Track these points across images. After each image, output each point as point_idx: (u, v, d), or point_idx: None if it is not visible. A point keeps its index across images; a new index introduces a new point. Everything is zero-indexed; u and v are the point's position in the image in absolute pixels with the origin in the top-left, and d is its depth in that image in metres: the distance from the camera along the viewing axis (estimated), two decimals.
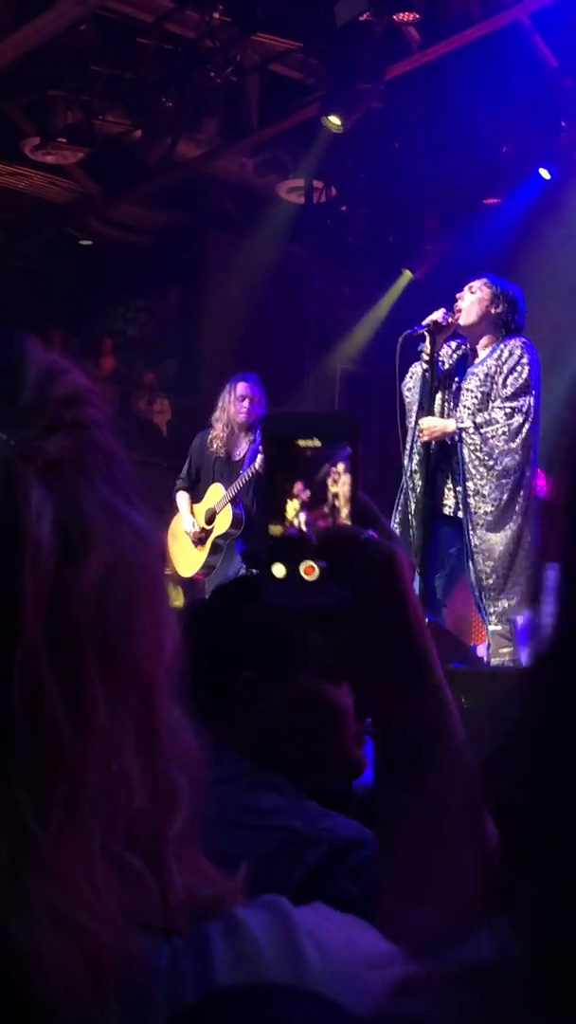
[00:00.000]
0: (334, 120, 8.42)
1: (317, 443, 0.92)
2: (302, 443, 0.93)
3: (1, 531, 0.64)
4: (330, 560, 0.92)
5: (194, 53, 9.03)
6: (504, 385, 5.47)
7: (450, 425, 5.51)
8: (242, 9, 8.59)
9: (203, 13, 8.74)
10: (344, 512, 0.92)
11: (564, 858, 0.49)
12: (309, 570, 0.92)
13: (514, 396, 5.43)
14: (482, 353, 5.61)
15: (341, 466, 0.92)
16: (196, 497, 7.07)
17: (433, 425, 5.52)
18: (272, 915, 0.72)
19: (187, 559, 7.06)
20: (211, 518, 6.93)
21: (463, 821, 0.89)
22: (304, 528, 0.92)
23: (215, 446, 6.87)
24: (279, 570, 0.92)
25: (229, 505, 6.81)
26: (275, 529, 0.92)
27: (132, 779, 0.68)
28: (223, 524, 6.88)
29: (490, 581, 5.37)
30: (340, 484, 0.92)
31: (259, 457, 6.47)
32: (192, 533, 6.95)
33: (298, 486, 0.92)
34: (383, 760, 0.97)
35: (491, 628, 5.40)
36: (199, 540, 6.97)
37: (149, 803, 0.69)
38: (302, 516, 0.92)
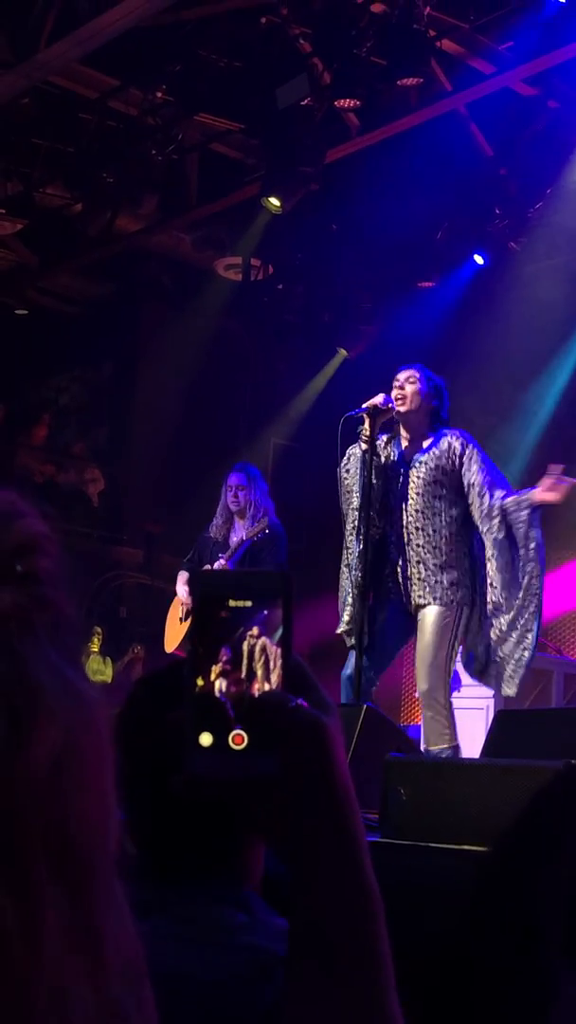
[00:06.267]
0: (273, 202, 8.53)
1: (248, 603, 0.88)
2: (233, 603, 0.88)
3: None
4: (257, 728, 0.86)
5: (136, 130, 9.13)
6: (461, 482, 5.45)
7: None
8: (185, 89, 8.70)
9: (146, 91, 8.85)
10: (259, 676, 0.87)
11: None
12: (238, 739, 0.86)
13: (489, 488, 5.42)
14: (421, 443, 5.62)
15: (256, 629, 0.87)
16: None
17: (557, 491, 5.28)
18: None
19: (173, 632, 7.53)
20: None
21: None
22: (220, 694, 0.87)
23: (213, 532, 7.26)
24: (206, 739, 0.87)
25: None
26: (200, 695, 0.87)
27: (80, 993, 0.58)
28: None
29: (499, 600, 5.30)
30: (257, 648, 0.87)
31: (236, 546, 6.97)
32: (185, 602, 7.40)
33: (223, 649, 0.87)
34: (295, 943, 0.90)
35: (430, 714, 5.33)
36: (187, 613, 7.41)
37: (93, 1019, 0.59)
38: (221, 682, 0.87)
